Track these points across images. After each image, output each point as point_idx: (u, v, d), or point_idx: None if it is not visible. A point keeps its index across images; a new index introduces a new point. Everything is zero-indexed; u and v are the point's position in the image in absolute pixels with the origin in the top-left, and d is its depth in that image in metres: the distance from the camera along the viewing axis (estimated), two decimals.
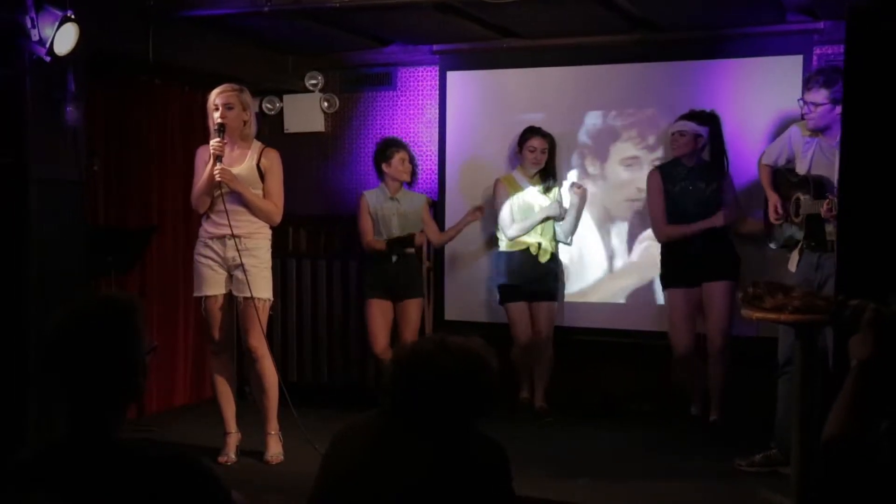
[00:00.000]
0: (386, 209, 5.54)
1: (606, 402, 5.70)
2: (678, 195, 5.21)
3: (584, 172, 5.84)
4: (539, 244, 5.58)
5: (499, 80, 6.02)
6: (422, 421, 2.11)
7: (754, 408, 4.90)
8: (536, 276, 5.59)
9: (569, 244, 5.68)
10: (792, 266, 4.55)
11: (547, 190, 5.60)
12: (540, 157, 5.55)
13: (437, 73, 6.11)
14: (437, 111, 6.12)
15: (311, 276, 6.32)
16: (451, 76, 6.07)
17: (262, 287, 4.68)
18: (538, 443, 5.11)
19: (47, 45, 4.13)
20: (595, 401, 5.74)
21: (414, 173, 5.62)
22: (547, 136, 5.58)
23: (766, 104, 5.36)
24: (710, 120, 5.17)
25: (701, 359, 5.26)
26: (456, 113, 6.08)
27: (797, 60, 5.30)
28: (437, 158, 6.14)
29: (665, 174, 5.26)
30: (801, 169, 4.51)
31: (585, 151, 5.84)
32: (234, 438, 4.80)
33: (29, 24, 4.11)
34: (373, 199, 5.57)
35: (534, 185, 5.61)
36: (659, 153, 5.62)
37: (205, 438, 4.99)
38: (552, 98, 5.89)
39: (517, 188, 5.62)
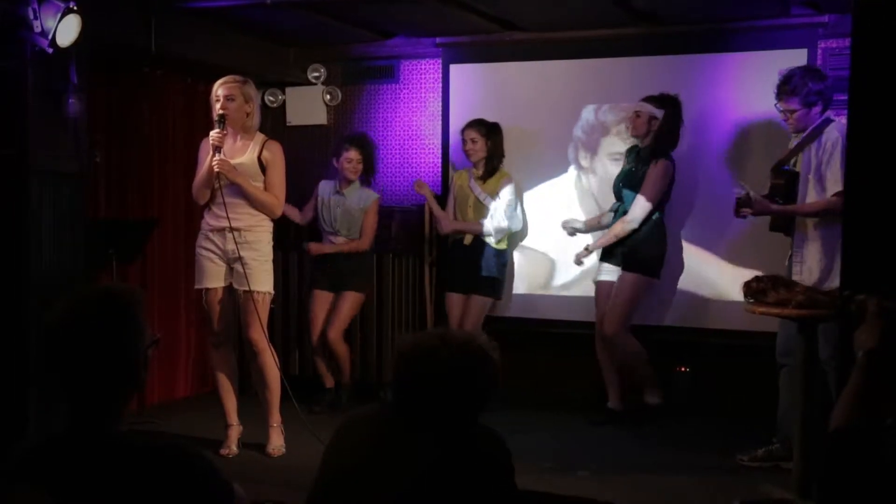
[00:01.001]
0: (332, 201, 5.73)
1: (604, 397, 5.69)
2: (621, 175, 5.33)
3: (579, 166, 5.83)
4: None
5: (502, 73, 6.00)
6: (425, 414, 2.10)
7: (755, 402, 4.90)
8: (466, 265, 5.64)
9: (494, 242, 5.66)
10: (787, 260, 4.57)
11: (486, 178, 5.63)
12: (471, 146, 5.60)
13: (441, 65, 6.09)
14: (441, 104, 6.11)
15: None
16: (455, 69, 6.06)
17: (261, 280, 4.67)
18: (538, 436, 5.10)
19: (49, 37, 4.12)
20: (593, 395, 5.73)
21: (367, 172, 5.76)
22: (481, 127, 5.61)
23: (769, 98, 5.30)
24: (668, 103, 5.18)
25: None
26: (459, 106, 6.06)
27: (801, 54, 5.28)
28: (440, 152, 6.12)
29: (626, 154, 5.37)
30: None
31: (584, 144, 5.83)
32: (235, 431, 4.80)
33: (31, 16, 4.10)
34: (326, 188, 5.79)
35: (475, 175, 5.68)
36: None
37: (206, 431, 4.99)
38: (555, 91, 5.87)
39: (462, 178, 5.73)
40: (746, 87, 5.40)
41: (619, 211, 5.30)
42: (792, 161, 4.53)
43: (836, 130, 4.36)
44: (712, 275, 5.48)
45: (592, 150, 5.81)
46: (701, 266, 5.46)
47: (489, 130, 5.61)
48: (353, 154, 5.65)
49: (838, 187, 4.26)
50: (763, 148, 5.21)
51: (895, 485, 1.89)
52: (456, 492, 2.03)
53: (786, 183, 4.46)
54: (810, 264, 4.38)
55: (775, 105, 4.55)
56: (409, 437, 2.09)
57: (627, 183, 5.28)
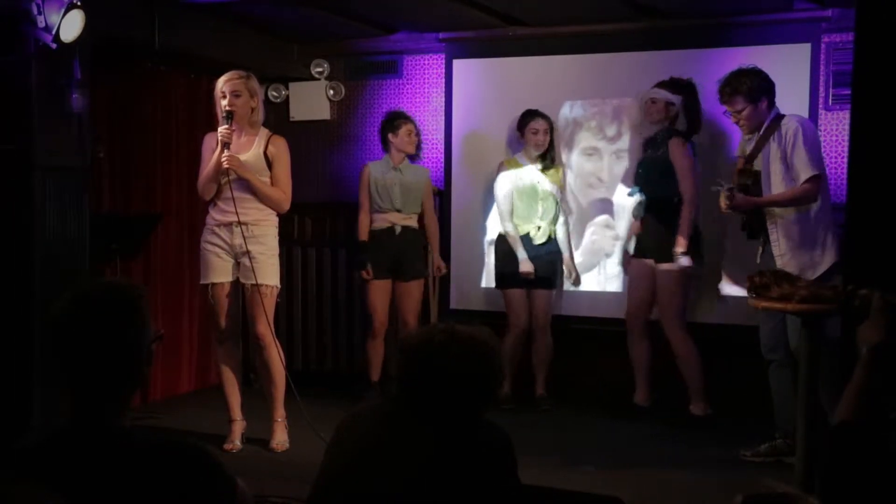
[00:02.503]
0: (388, 179, 5.60)
1: (609, 391, 5.69)
2: (644, 163, 5.29)
3: (586, 158, 5.83)
4: (538, 227, 5.56)
5: (505, 68, 6.00)
6: (431, 409, 2.10)
7: (758, 397, 4.89)
8: (534, 261, 5.56)
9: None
10: (757, 258, 4.57)
11: (546, 170, 5.57)
12: (543, 138, 5.52)
13: (444, 60, 6.09)
14: (444, 99, 6.11)
15: (317, 264, 6.33)
16: (458, 64, 6.06)
17: (268, 274, 4.67)
18: (542, 431, 5.11)
19: (53, 32, 4.13)
20: (598, 390, 5.74)
21: (419, 147, 5.68)
22: (547, 118, 5.56)
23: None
24: (684, 88, 5.16)
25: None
26: (462, 101, 6.06)
27: (805, 49, 5.27)
28: (443, 147, 6.12)
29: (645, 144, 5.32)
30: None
31: (588, 137, 5.83)
32: (239, 426, 4.81)
33: (35, 11, 4.11)
34: (376, 169, 5.64)
35: (535, 166, 5.58)
36: None
37: (210, 426, 5.00)
38: (558, 85, 5.87)
39: (519, 168, 5.60)
40: None
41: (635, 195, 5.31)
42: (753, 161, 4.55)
43: (793, 120, 4.43)
44: (716, 268, 5.47)
45: (603, 141, 5.81)
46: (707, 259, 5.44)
47: (550, 122, 5.60)
48: (411, 126, 5.60)
49: (809, 173, 4.32)
50: None
51: None
52: (460, 485, 2.03)
53: (753, 183, 4.49)
54: (783, 248, 4.39)
55: (725, 112, 4.61)
56: (413, 432, 2.09)
57: (648, 169, 5.24)
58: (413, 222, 5.65)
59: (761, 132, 4.49)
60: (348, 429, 2.21)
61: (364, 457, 2.10)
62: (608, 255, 5.82)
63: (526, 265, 5.51)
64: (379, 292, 5.62)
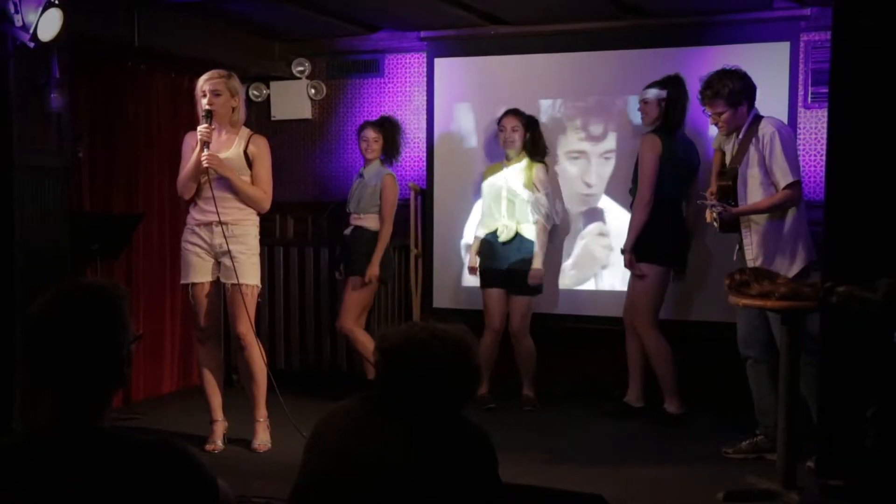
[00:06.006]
0: (355, 184, 5.70)
1: (594, 389, 5.71)
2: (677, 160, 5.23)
3: (569, 156, 5.84)
4: (506, 226, 5.55)
5: (487, 67, 6.00)
6: (409, 408, 2.10)
7: (740, 394, 4.92)
8: (505, 260, 5.55)
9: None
10: (735, 255, 4.62)
11: (517, 166, 5.55)
12: (510, 135, 5.51)
13: (425, 59, 6.09)
14: (426, 98, 6.11)
15: (299, 264, 6.32)
16: (439, 63, 6.06)
17: (249, 273, 4.66)
18: (525, 430, 5.12)
19: (31, 31, 4.10)
20: (582, 388, 5.75)
21: (388, 153, 5.67)
22: (520, 116, 5.54)
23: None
24: (671, 82, 5.18)
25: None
26: (444, 100, 6.06)
27: (784, 47, 5.31)
28: (425, 146, 6.12)
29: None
30: (727, 160, 4.62)
31: (571, 136, 5.84)
32: (220, 426, 4.79)
33: (12, 10, 4.08)
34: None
35: (510, 166, 5.58)
36: None
37: (192, 426, 4.98)
38: (540, 84, 5.87)
39: (495, 171, 5.62)
40: None
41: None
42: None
43: (769, 125, 4.46)
44: (694, 267, 5.49)
45: (588, 139, 5.82)
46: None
47: (527, 120, 5.59)
48: (369, 133, 5.60)
49: (789, 178, 4.36)
50: None
51: (880, 474, 1.91)
52: (439, 485, 2.03)
53: (733, 184, 4.51)
54: (756, 251, 4.44)
55: (704, 112, 4.63)
56: (392, 431, 2.09)
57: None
58: (366, 222, 5.59)
59: (741, 135, 4.52)
60: (324, 429, 2.19)
61: (342, 457, 2.09)
62: (604, 267, 5.77)
63: (471, 261, 5.69)
64: (343, 289, 5.72)
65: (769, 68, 5.23)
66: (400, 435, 2.08)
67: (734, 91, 4.46)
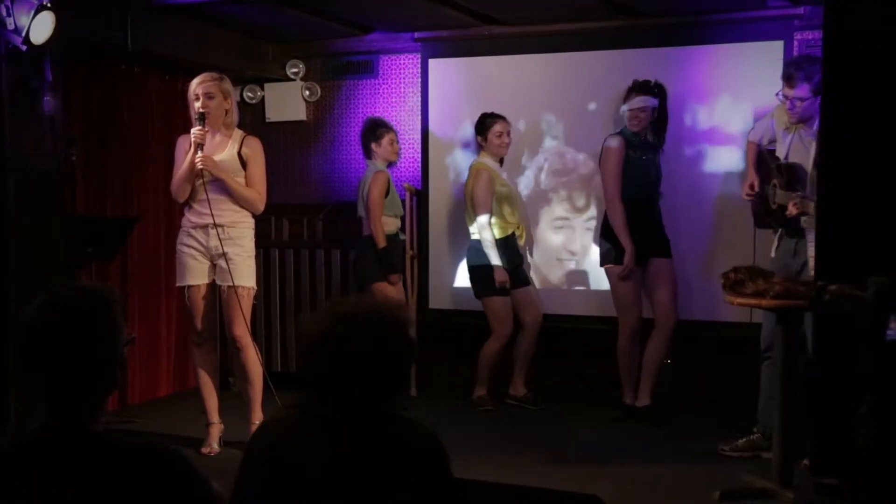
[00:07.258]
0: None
1: (588, 389, 5.71)
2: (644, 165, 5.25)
3: (561, 159, 5.84)
4: (519, 226, 5.63)
5: (481, 68, 6.00)
6: (339, 405, 1.94)
7: (737, 393, 4.93)
8: (519, 261, 5.61)
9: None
10: (772, 251, 4.57)
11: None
12: (508, 139, 5.57)
13: (419, 60, 6.09)
14: (420, 99, 6.10)
15: (294, 265, 6.32)
16: (434, 64, 6.06)
17: (245, 275, 4.66)
18: (521, 430, 5.12)
19: (23, 34, 4.08)
20: (576, 387, 5.75)
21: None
22: (506, 119, 5.60)
23: (745, 90, 5.37)
24: (660, 91, 5.21)
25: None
26: (438, 101, 6.06)
27: (777, 46, 5.31)
28: (419, 146, 6.12)
29: (629, 144, 5.22)
30: (780, 153, 4.54)
31: (565, 137, 5.84)
32: (216, 429, 4.79)
33: (4, 13, 4.06)
34: None
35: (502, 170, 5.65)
36: None
37: (188, 429, 4.98)
38: (534, 85, 5.88)
39: (497, 177, 5.60)
40: (722, 79, 5.43)
41: None
42: (784, 153, 4.52)
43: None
44: (692, 265, 5.50)
45: (581, 141, 5.82)
46: (680, 257, 5.46)
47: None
48: (394, 136, 5.67)
49: None
50: (741, 139, 5.23)
51: (872, 471, 1.91)
52: (377, 489, 1.89)
53: (789, 178, 4.41)
54: None
55: (779, 92, 4.44)
56: (326, 431, 1.94)
57: (649, 172, 5.28)
58: (366, 226, 5.62)
59: (814, 127, 4.33)
60: (257, 440, 2.04)
61: (279, 464, 1.93)
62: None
63: (500, 273, 5.51)
64: None
65: (763, 67, 5.22)
66: (331, 440, 1.92)
67: (820, 80, 4.21)
